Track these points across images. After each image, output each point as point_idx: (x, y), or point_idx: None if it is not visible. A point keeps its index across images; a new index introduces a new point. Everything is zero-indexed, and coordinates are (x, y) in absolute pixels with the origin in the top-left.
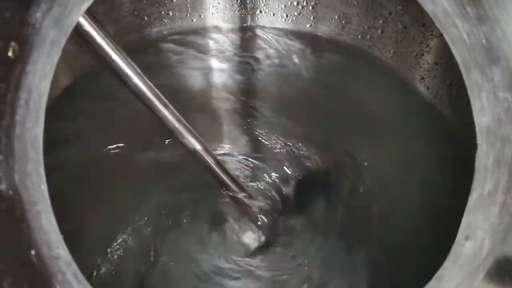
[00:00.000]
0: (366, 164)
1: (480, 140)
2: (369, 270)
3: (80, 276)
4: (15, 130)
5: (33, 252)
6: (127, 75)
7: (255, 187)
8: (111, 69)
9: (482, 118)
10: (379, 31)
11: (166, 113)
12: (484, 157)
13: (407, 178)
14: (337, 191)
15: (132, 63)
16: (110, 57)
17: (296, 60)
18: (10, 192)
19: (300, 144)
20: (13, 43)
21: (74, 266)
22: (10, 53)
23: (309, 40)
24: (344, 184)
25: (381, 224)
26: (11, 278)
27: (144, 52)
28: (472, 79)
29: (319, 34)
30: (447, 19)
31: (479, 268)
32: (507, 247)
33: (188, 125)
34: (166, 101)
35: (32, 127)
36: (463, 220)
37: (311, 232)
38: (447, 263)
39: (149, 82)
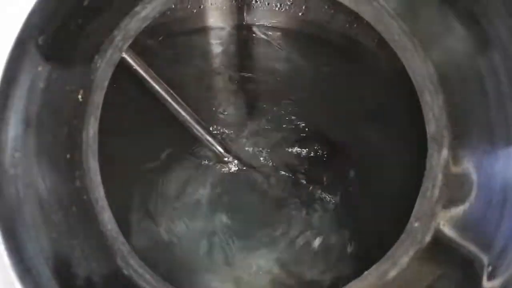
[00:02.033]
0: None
1: (429, 145)
2: None
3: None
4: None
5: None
6: (162, 96)
7: None
8: (149, 90)
9: (430, 129)
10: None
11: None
12: (430, 159)
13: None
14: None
15: (165, 85)
16: (149, 83)
17: None
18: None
19: None
20: (81, 90)
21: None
22: (80, 98)
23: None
24: None
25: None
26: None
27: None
28: (424, 100)
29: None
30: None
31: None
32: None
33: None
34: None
35: (92, 146)
36: (415, 207)
37: None
38: (402, 236)
39: (177, 98)
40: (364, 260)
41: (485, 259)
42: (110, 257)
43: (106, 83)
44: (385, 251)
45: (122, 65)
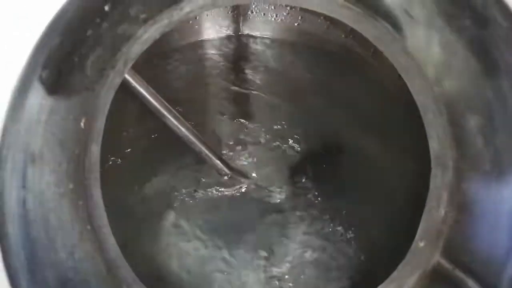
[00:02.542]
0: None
1: (433, 165)
2: None
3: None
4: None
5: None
6: (163, 115)
7: None
8: (151, 110)
9: (433, 148)
10: None
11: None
12: (434, 178)
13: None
14: None
15: (167, 104)
16: (150, 103)
17: None
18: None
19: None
20: (84, 119)
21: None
22: (82, 125)
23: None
24: None
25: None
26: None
27: None
28: (427, 119)
29: None
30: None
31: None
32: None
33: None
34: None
35: (94, 172)
36: (419, 226)
37: None
38: (408, 257)
39: (176, 114)
40: (369, 276)
41: None
42: (117, 285)
43: (107, 108)
44: (390, 266)
45: (122, 84)
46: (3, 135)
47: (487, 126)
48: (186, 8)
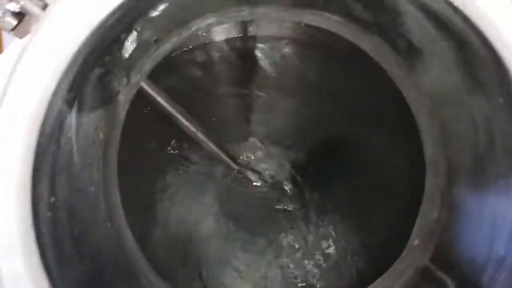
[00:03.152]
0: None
1: (427, 168)
2: None
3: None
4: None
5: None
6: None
7: None
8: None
9: (428, 152)
10: None
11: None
12: (428, 181)
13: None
14: None
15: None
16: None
17: None
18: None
19: None
20: (103, 129)
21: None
22: (101, 135)
23: None
24: None
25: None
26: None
27: None
28: (421, 125)
29: None
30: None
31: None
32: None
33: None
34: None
35: (112, 175)
36: (415, 225)
37: None
38: (404, 253)
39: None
40: (366, 271)
41: None
42: (134, 276)
43: (123, 116)
44: (386, 262)
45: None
46: (36, 152)
47: (473, 137)
48: (194, 26)
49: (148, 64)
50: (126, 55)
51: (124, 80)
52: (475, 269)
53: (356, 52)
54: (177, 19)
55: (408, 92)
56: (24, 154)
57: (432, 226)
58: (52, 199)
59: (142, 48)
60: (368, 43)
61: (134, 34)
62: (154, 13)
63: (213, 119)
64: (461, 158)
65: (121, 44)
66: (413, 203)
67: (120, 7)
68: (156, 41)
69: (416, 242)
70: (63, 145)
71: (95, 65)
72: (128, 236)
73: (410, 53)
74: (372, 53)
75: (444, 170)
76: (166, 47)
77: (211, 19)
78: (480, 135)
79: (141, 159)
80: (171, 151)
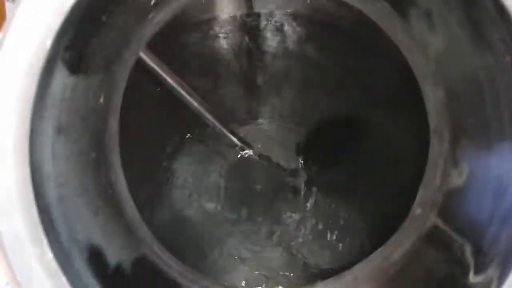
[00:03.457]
0: None
1: (431, 136)
2: None
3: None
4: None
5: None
6: (178, 91)
7: None
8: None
9: (432, 121)
10: None
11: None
12: (432, 149)
13: None
14: None
15: (181, 81)
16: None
17: None
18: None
19: None
20: (102, 95)
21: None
22: (101, 101)
23: None
24: None
25: None
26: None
27: None
28: (425, 94)
29: None
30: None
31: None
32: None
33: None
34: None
35: (113, 142)
36: (418, 194)
37: None
38: (405, 222)
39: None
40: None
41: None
42: (136, 245)
43: (123, 85)
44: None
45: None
46: (33, 111)
47: (478, 100)
48: None
49: (147, 30)
50: (123, 15)
51: (123, 45)
52: (479, 228)
53: (360, 21)
54: None
55: (413, 59)
56: (21, 113)
57: (435, 194)
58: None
59: (140, 10)
60: (372, 7)
61: None
62: None
63: (218, 98)
64: (466, 122)
65: (118, 3)
66: (420, 175)
67: None
68: (155, 4)
69: (418, 211)
70: (63, 107)
71: (93, 25)
72: (130, 204)
73: (415, 14)
74: (377, 18)
75: (448, 136)
76: (166, 14)
77: None
78: (485, 97)
79: (143, 132)
80: (175, 127)
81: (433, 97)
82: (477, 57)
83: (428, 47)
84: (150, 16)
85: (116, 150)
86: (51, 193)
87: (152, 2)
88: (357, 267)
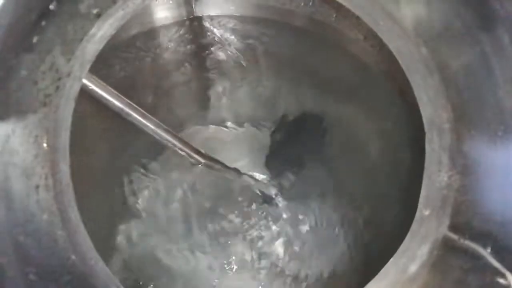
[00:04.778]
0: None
1: (426, 128)
2: None
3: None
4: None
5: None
6: (129, 114)
7: None
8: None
9: (425, 111)
10: None
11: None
12: (430, 142)
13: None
14: None
15: (131, 103)
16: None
17: None
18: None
19: None
20: (45, 138)
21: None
22: (45, 146)
23: None
24: None
25: None
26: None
27: None
28: (415, 83)
29: None
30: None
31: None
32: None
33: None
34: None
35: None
36: (421, 193)
37: None
38: (414, 226)
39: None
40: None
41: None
42: None
43: (70, 120)
44: (393, 241)
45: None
46: None
47: (486, 83)
48: None
49: (89, 50)
50: (59, 32)
51: (63, 71)
52: (508, 228)
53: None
54: None
55: (397, 45)
56: None
57: (444, 192)
58: None
59: (80, 23)
60: None
61: (68, 4)
62: None
63: (171, 110)
64: (469, 111)
65: (51, 15)
66: (417, 171)
67: None
68: (98, 16)
69: (427, 212)
70: None
71: (21, 49)
72: (100, 266)
73: None
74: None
75: (448, 127)
76: (111, 25)
77: None
78: (486, 82)
79: (97, 169)
80: (130, 156)
81: (424, 84)
82: (485, 32)
83: (416, 27)
84: (93, 30)
85: (72, 203)
86: None
87: (95, 12)
88: (372, 284)
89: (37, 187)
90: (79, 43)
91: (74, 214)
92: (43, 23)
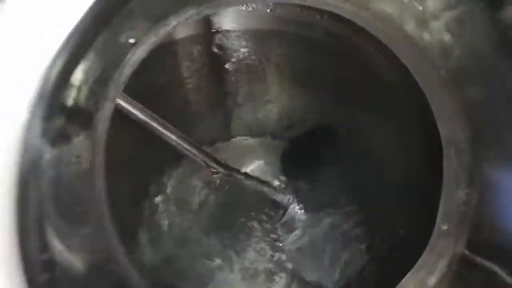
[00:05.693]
0: None
1: (444, 145)
2: None
3: None
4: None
5: None
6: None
7: None
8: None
9: (443, 129)
10: None
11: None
12: (448, 159)
13: None
14: None
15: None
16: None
17: None
18: None
19: None
20: (84, 157)
21: None
22: (84, 165)
23: None
24: None
25: None
26: None
27: None
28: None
29: None
30: None
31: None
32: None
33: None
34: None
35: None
36: (439, 207)
37: None
38: (432, 240)
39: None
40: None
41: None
42: None
43: (105, 138)
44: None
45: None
46: (20, 199)
47: (505, 107)
48: (173, 21)
49: (124, 73)
50: (101, 61)
51: (101, 95)
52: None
53: (333, 30)
54: (155, 14)
55: (416, 65)
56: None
57: (462, 208)
58: (45, 256)
59: (118, 52)
60: None
61: (109, 35)
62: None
63: (191, 123)
64: (487, 132)
65: (95, 47)
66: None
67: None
68: (133, 45)
69: (444, 227)
70: (45, 187)
71: (70, 79)
72: (133, 276)
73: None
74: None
75: (467, 146)
76: (143, 50)
77: (190, 13)
78: (505, 106)
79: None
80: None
81: (443, 103)
82: (499, 61)
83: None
84: (128, 57)
85: (107, 216)
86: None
87: (131, 41)
88: None
89: (80, 202)
90: (116, 69)
91: (110, 229)
92: (91, 55)
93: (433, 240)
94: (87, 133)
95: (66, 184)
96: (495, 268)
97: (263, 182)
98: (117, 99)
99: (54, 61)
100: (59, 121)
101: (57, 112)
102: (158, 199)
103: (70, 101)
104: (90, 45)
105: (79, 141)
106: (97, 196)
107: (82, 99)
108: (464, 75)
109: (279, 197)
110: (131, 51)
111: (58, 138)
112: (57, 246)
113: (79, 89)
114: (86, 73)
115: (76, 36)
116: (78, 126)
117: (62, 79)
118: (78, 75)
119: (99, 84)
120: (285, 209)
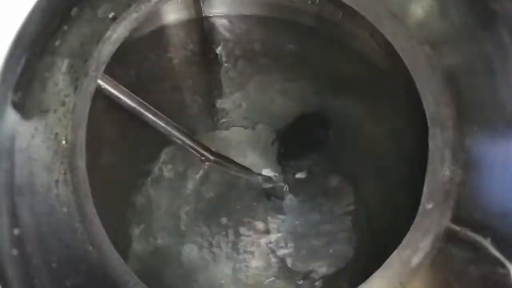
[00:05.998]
0: None
1: (430, 125)
2: None
3: None
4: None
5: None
6: (141, 113)
7: None
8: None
9: (429, 109)
10: None
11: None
12: (433, 138)
13: None
14: None
15: (144, 102)
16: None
17: None
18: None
19: None
20: (64, 135)
21: None
22: (63, 143)
23: None
24: None
25: None
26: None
27: None
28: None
29: None
30: None
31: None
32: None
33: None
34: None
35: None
36: (424, 188)
37: None
38: (417, 219)
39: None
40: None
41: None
42: None
43: (86, 118)
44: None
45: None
46: None
47: (488, 81)
48: None
49: (104, 51)
50: (78, 35)
51: (81, 71)
52: (509, 221)
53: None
54: None
55: (401, 44)
56: None
57: (447, 186)
58: (16, 231)
59: (96, 26)
60: None
61: (87, 9)
62: None
63: (179, 110)
64: (471, 107)
65: (72, 20)
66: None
67: None
68: (113, 19)
69: (430, 205)
70: (19, 162)
71: (44, 53)
72: (114, 256)
73: None
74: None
75: (451, 123)
76: (125, 28)
77: None
78: (487, 80)
79: (112, 165)
80: (145, 153)
81: (427, 81)
82: (485, 30)
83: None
84: (108, 33)
85: (88, 195)
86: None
87: (110, 16)
88: (376, 275)
89: (57, 181)
90: (96, 45)
91: (90, 208)
92: (65, 27)
93: (418, 219)
94: (65, 111)
95: (43, 161)
96: (479, 238)
97: (253, 172)
98: (99, 80)
99: (24, 27)
100: (33, 94)
101: (31, 81)
102: (147, 186)
103: (46, 74)
104: (65, 15)
105: (57, 118)
106: (78, 175)
107: (59, 74)
108: (446, 48)
109: (269, 185)
110: (111, 27)
111: (33, 110)
112: (28, 220)
113: (57, 61)
114: (64, 46)
115: (47, 4)
116: (55, 101)
117: (35, 47)
118: (53, 46)
119: (78, 60)
120: (276, 198)
